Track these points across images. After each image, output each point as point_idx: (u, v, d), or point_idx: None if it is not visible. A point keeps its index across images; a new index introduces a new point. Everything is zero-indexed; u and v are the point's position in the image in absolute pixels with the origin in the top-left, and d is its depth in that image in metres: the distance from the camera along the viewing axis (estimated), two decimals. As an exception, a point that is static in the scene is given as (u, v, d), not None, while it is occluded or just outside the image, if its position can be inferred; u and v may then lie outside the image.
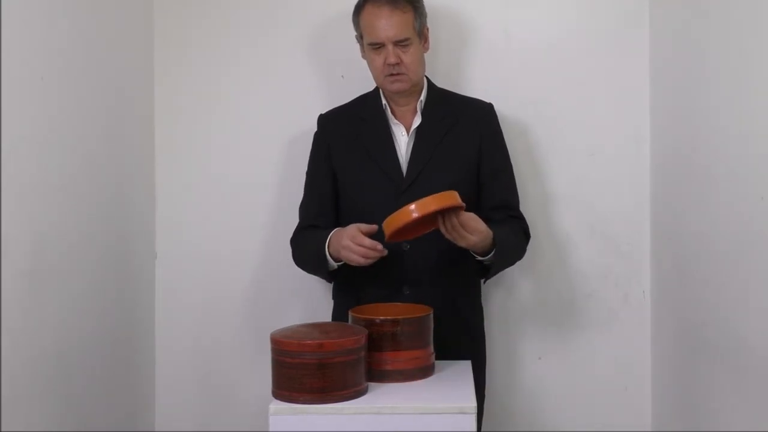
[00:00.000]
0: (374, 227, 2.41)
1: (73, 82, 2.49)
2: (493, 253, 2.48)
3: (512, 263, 2.68)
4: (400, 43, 2.53)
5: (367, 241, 2.39)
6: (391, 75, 2.56)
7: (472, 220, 2.38)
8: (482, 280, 2.69)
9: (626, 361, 2.96)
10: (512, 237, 2.58)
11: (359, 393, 2.15)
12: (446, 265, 2.54)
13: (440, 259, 2.56)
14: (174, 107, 3.02)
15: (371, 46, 2.56)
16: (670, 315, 2.81)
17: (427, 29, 2.63)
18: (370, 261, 2.42)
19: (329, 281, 2.65)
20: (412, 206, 2.26)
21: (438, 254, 2.56)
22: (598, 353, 2.97)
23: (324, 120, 2.72)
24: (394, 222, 2.29)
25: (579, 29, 2.94)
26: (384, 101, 2.65)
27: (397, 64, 2.54)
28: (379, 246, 2.39)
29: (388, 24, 2.52)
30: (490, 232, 2.43)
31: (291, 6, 2.99)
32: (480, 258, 2.52)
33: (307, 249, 2.61)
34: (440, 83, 2.73)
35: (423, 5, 2.61)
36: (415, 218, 2.26)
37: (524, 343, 2.99)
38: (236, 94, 3.01)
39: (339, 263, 2.53)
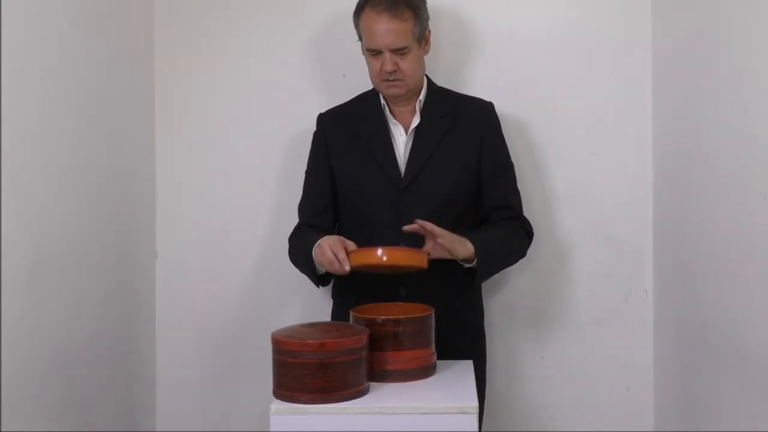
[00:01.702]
0: (353, 246, 2.41)
1: (73, 81, 2.49)
2: (475, 261, 2.48)
3: (505, 264, 2.67)
4: (398, 51, 2.51)
5: (341, 254, 2.37)
6: (388, 80, 2.55)
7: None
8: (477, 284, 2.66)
9: (628, 361, 2.96)
10: (499, 238, 2.57)
11: (360, 393, 2.15)
12: (444, 265, 2.52)
13: (438, 259, 2.54)
14: (174, 105, 3.01)
15: (369, 51, 2.55)
16: (672, 314, 2.80)
17: (429, 32, 2.61)
18: (335, 270, 2.40)
19: (316, 285, 2.61)
20: (381, 252, 2.32)
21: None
22: (599, 353, 2.96)
23: (323, 119, 2.72)
24: (362, 257, 2.34)
25: (581, 28, 2.94)
26: (383, 101, 2.64)
27: (394, 71, 2.52)
28: (347, 267, 2.36)
29: (386, 31, 2.49)
30: (462, 237, 2.45)
31: (292, 5, 2.99)
32: (465, 264, 2.52)
33: (298, 249, 2.61)
34: (441, 82, 2.72)
35: (425, 9, 2.58)
36: (380, 263, 2.32)
37: (526, 343, 2.98)
38: (237, 93, 3.00)
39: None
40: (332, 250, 2.38)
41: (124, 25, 2.82)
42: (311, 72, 2.98)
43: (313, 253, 2.47)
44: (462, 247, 2.46)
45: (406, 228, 2.43)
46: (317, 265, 2.48)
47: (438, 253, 2.43)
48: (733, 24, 2.31)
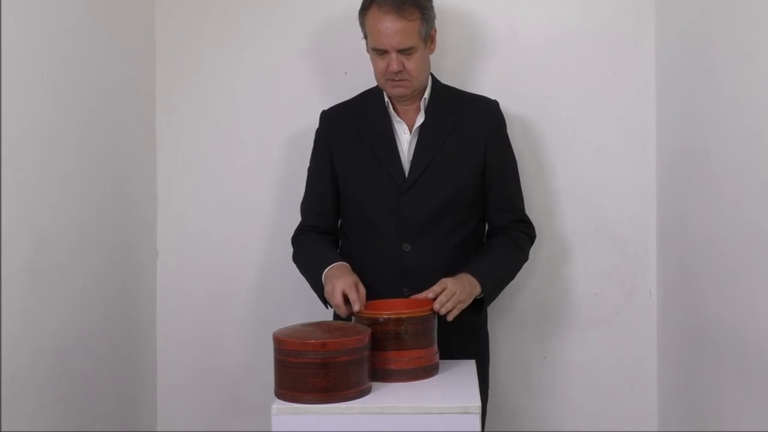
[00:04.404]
0: (363, 295, 2.37)
1: (74, 79, 2.48)
2: (481, 294, 2.47)
3: (509, 282, 2.65)
4: (405, 51, 2.49)
5: (352, 296, 2.34)
6: (393, 80, 2.53)
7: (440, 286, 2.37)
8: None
9: (632, 361, 2.95)
10: (503, 263, 2.58)
11: (363, 393, 2.14)
12: (446, 265, 2.51)
13: (440, 259, 2.54)
14: (175, 104, 3.01)
15: (375, 51, 2.53)
16: (676, 314, 2.79)
17: (435, 30, 2.59)
18: (340, 313, 2.39)
19: (325, 306, 2.57)
20: (387, 317, 2.26)
21: (438, 255, 2.54)
22: (603, 353, 2.96)
23: (326, 116, 2.70)
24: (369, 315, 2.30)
25: (585, 26, 2.93)
26: (386, 98, 2.63)
27: (400, 71, 2.50)
28: (344, 313, 2.35)
29: (392, 31, 2.46)
30: (468, 279, 2.43)
31: (293, 3, 2.98)
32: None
33: (306, 266, 2.60)
34: (446, 80, 2.71)
35: (432, 8, 2.55)
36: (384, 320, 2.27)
37: (529, 343, 2.98)
38: (238, 91, 3.00)
39: None
40: (343, 294, 2.36)
41: (125, 20, 2.82)
42: (313, 70, 2.97)
43: (323, 279, 2.46)
44: (472, 290, 2.44)
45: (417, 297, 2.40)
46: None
47: (455, 311, 2.37)
48: (736, 22, 2.30)
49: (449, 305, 2.34)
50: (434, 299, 2.34)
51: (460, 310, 2.38)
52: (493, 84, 2.85)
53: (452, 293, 2.36)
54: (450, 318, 2.36)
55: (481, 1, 2.93)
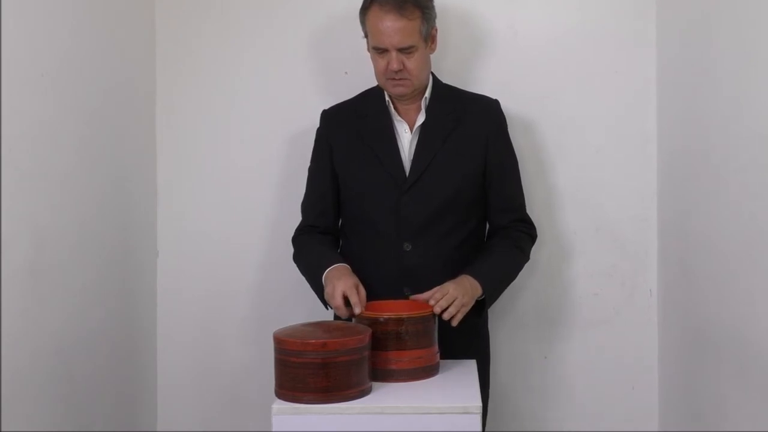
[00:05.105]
0: (364, 297, 2.36)
1: (74, 79, 2.48)
2: (483, 295, 2.46)
3: (510, 282, 2.64)
4: (405, 50, 2.49)
5: (353, 299, 2.32)
6: (393, 79, 2.53)
7: (439, 291, 2.36)
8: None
9: (633, 361, 2.95)
10: (504, 264, 2.57)
11: (363, 393, 2.13)
12: (447, 265, 2.51)
13: (440, 259, 2.54)
14: (176, 104, 3.01)
15: (375, 50, 2.53)
16: (677, 314, 2.79)
17: (436, 30, 2.58)
18: (340, 314, 2.39)
19: (325, 306, 2.56)
20: (387, 318, 2.25)
21: (438, 255, 2.54)
22: (604, 352, 2.96)
23: (327, 116, 2.70)
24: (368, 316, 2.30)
25: (585, 26, 2.93)
26: (387, 98, 2.62)
27: (401, 70, 2.50)
28: (357, 311, 2.33)
29: (393, 30, 2.46)
30: (469, 281, 2.42)
31: (293, 3, 2.98)
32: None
33: (306, 266, 2.60)
34: (446, 80, 2.71)
35: (432, 8, 2.55)
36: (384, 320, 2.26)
37: (530, 343, 2.97)
38: (238, 91, 2.99)
39: None
40: (344, 296, 2.35)
41: (125, 19, 2.81)
42: (313, 70, 2.97)
43: (323, 280, 2.45)
44: (474, 293, 2.43)
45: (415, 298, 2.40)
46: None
47: (459, 316, 2.36)
48: (736, 22, 2.30)
49: (452, 310, 2.34)
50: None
51: (463, 314, 2.37)
52: (493, 83, 2.85)
53: (453, 298, 2.35)
54: (455, 323, 2.35)
55: (482, 1, 2.93)
